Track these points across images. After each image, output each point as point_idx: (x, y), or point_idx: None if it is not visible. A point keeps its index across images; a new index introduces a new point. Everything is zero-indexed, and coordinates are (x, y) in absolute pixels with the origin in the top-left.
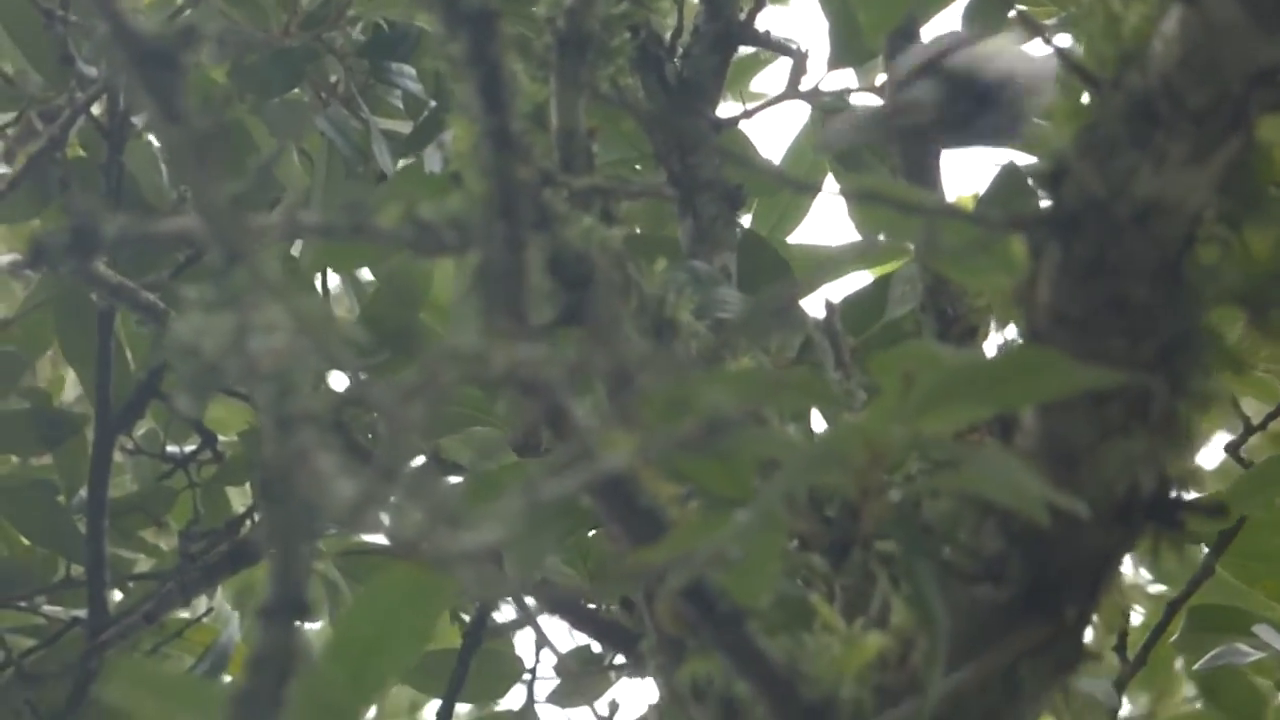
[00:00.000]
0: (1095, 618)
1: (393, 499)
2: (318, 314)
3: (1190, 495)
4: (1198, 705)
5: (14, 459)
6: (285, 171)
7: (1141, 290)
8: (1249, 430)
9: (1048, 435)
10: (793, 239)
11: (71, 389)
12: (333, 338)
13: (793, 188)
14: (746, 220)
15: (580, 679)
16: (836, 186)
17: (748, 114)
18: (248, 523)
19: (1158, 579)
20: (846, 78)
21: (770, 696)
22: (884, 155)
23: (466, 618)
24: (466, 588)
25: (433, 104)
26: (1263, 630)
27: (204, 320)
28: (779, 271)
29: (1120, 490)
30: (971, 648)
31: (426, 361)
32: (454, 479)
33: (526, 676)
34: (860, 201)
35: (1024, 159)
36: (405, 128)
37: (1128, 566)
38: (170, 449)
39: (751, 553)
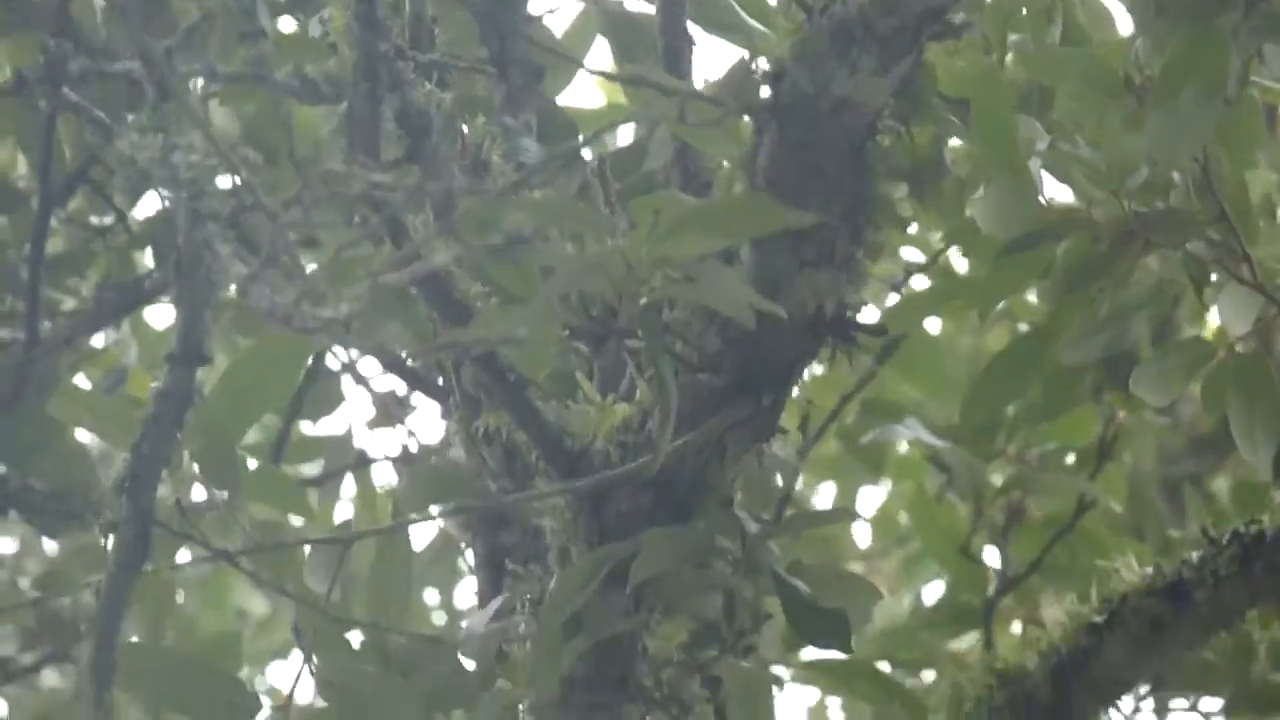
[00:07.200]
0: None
1: (272, 279)
2: (225, 140)
3: (860, 318)
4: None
5: None
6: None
7: (834, 165)
8: (907, 274)
9: (758, 266)
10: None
11: (22, 170)
12: (235, 158)
13: (578, 66)
14: None
15: (388, 411)
16: (614, 70)
17: (550, 11)
18: (147, 280)
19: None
20: None
21: (542, 444)
22: (650, 49)
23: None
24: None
25: None
26: (911, 423)
27: (140, 139)
28: (567, 130)
29: (809, 311)
30: (692, 421)
31: (304, 179)
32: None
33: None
34: (630, 84)
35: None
36: None
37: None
38: (93, 220)
39: (533, 336)
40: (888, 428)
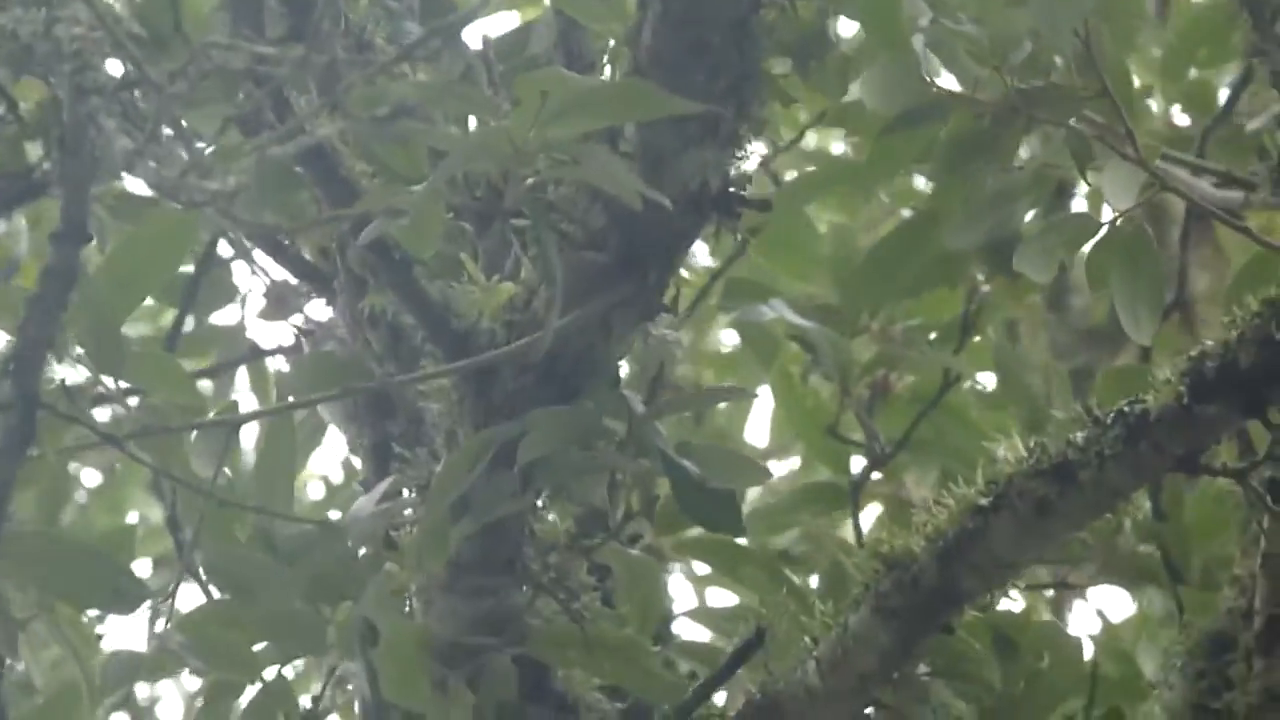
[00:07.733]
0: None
1: (158, 154)
2: (110, 13)
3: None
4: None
5: None
6: None
7: (718, 39)
8: (775, 149)
9: (643, 143)
10: None
11: None
12: (121, 32)
13: None
14: None
15: (281, 301)
16: None
17: None
18: (38, 170)
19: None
20: None
21: (428, 325)
22: None
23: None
24: (208, 224)
25: None
26: (775, 303)
27: (22, 13)
28: (447, 9)
29: (694, 187)
30: (578, 299)
31: (191, 53)
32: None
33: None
34: None
35: None
36: None
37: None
38: None
39: (419, 216)
40: (752, 307)
